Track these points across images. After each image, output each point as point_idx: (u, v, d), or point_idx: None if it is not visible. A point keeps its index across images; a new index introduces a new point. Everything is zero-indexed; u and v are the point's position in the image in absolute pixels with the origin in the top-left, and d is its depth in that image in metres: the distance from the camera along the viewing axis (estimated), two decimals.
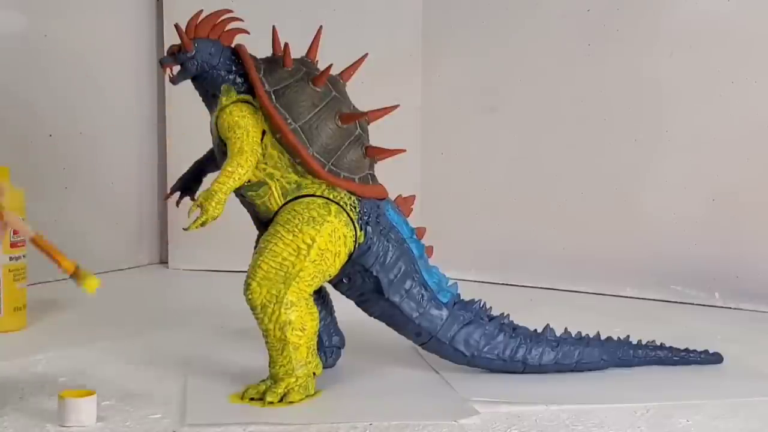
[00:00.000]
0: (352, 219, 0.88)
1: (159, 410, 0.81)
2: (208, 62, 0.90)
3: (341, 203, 0.88)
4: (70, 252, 1.54)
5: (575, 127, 1.50)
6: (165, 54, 0.93)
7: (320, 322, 0.90)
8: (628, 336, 0.97)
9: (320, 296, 0.96)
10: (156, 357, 1.00)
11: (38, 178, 1.45)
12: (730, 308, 1.35)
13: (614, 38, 1.45)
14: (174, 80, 0.93)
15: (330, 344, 0.96)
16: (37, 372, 0.95)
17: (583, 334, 0.95)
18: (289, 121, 0.87)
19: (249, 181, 0.88)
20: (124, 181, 1.69)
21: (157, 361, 0.99)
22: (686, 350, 0.98)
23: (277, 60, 0.91)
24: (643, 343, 0.97)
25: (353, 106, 0.93)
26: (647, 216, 1.43)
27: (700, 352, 0.98)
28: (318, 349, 0.90)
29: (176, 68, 0.91)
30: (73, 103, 1.55)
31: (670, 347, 0.98)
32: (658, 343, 0.98)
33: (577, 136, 1.50)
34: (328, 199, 0.88)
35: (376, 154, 0.92)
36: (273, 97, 0.88)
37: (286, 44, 0.91)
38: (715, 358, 0.98)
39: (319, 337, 0.93)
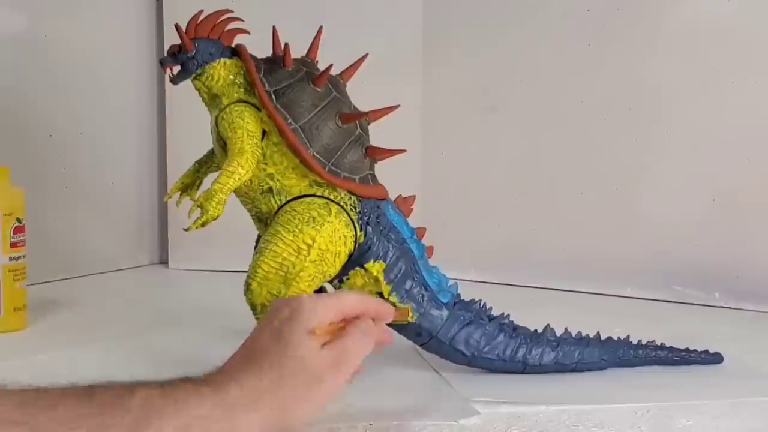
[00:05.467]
0: (352, 219, 0.88)
1: None
2: (209, 62, 0.90)
3: (341, 203, 0.88)
4: (71, 252, 1.56)
5: (575, 127, 1.50)
6: (165, 54, 0.93)
7: None
8: (628, 336, 0.97)
9: None
10: (156, 357, 1.00)
11: (38, 178, 1.45)
12: (730, 308, 1.35)
13: (614, 38, 1.45)
14: (174, 80, 0.93)
15: None
16: (37, 372, 0.95)
17: (584, 334, 0.95)
18: (289, 121, 0.87)
19: (250, 181, 0.89)
20: (124, 181, 1.69)
21: (157, 361, 0.98)
22: (686, 350, 0.98)
23: (277, 60, 0.91)
24: (643, 343, 0.97)
25: (353, 106, 0.93)
26: (647, 216, 1.43)
27: (700, 352, 0.98)
28: None
29: (176, 68, 0.91)
30: (73, 103, 1.55)
31: (670, 347, 0.98)
32: (658, 343, 0.98)
33: (577, 136, 1.50)
34: (328, 199, 0.88)
35: (377, 154, 0.92)
36: (273, 97, 0.88)
37: (286, 44, 0.91)
38: (715, 358, 0.98)
39: None
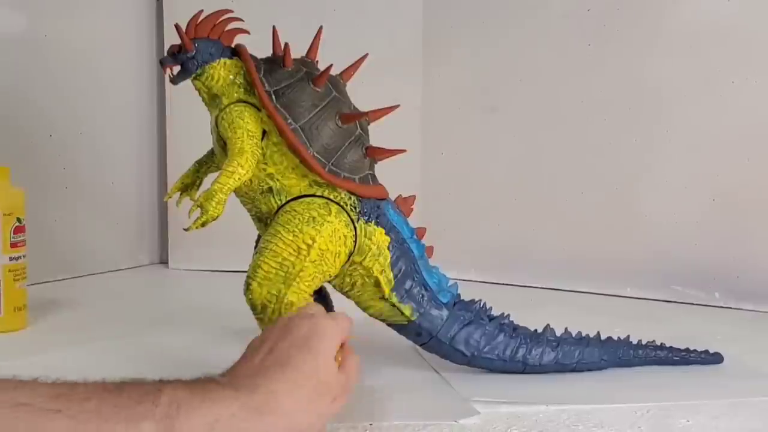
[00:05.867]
0: (352, 219, 0.88)
1: None
2: (209, 62, 0.90)
3: (341, 203, 0.88)
4: (71, 252, 1.56)
5: (575, 127, 1.50)
6: (165, 54, 0.93)
7: None
8: (628, 336, 0.97)
9: (320, 296, 0.96)
10: (156, 357, 1.00)
11: (38, 178, 1.45)
12: (731, 308, 1.35)
13: (614, 38, 1.45)
14: (174, 80, 0.93)
15: None
16: (37, 372, 0.95)
17: (584, 334, 0.95)
18: (289, 121, 0.87)
19: (250, 181, 0.89)
20: (124, 181, 1.69)
21: (157, 361, 0.98)
22: (686, 350, 0.98)
23: (277, 60, 0.91)
24: (643, 343, 0.97)
25: (353, 106, 0.93)
26: (647, 216, 1.43)
27: (700, 352, 0.98)
28: None
29: (176, 68, 0.91)
30: (73, 103, 1.55)
31: (670, 347, 0.98)
32: (658, 343, 0.98)
33: (577, 136, 1.50)
34: (328, 199, 0.88)
35: (377, 154, 0.92)
36: (273, 97, 0.88)
37: (286, 44, 0.91)
38: (715, 358, 0.98)
39: None
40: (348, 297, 0.93)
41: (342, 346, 0.72)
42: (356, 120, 0.90)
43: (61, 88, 1.53)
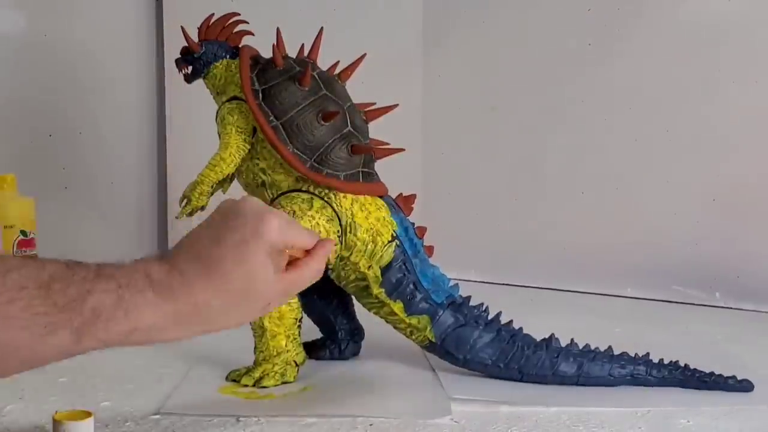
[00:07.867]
0: (337, 214, 0.90)
1: (159, 411, 0.81)
2: (213, 62, 0.95)
3: (326, 198, 0.90)
4: (71, 252, 1.55)
5: (575, 127, 1.50)
6: (175, 55, 0.99)
7: (335, 313, 0.97)
8: (648, 354, 0.89)
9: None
10: (156, 357, 1.00)
11: (38, 178, 1.45)
12: (731, 308, 1.35)
13: (614, 38, 1.45)
14: (187, 79, 0.98)
15: (343, 336, 0.98)
16: (37, 372, 0.95)
17: (593, 347, 0.89)
18: (270, 118, 0.90)
19: (246, 175, 0.93)
20: (124, 181, 1.69)
21: (158, 361, 0.98)
22: (711, 374, 0.88)
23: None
24: (665, 362, 0.89)
25: (348, 104, 0.94)
26: (648, 216, 1.43)
27: (727, 377, 0.89)
28: (332, 339, 0.97)
29: (191, 68, 0.97)
30: (72, 103, 1.55)
31: (685, 366, 0.89)
32: (668, 362, 0.89)
33: (577, 136, 1.50)
34: (313, 194, 0.90)
35: (360, 151, 0.93)
36: (260, 95, 0.91)
37: (273, 45, 0.94)
38: (744, 386, 0.89)
39: (334, 327, 0.98)
40: (348, 291, 0.95)
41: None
42: (335, 118, 0.91)
43: (61, 88, 1.52)
